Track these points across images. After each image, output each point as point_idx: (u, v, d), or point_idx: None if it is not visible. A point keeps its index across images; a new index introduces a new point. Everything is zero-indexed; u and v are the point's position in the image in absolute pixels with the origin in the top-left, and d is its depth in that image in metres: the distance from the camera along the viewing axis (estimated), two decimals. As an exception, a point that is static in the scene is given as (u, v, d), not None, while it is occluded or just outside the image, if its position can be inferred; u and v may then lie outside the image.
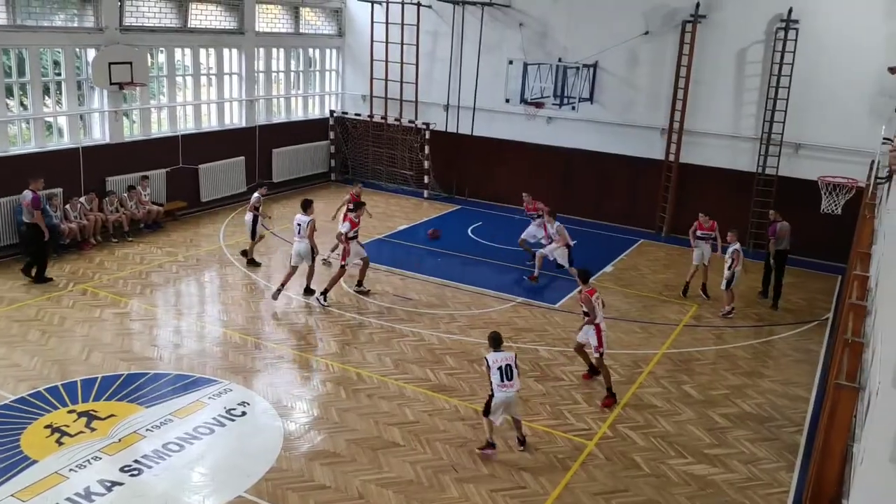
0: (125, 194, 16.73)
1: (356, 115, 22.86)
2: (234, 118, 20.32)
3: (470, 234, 18.57)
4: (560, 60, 18.80)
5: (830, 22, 17.12)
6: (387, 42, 21.80)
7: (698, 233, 14.67)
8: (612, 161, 19.88)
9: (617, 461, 9.07)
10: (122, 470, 8.23)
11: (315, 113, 23.22)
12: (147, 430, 9.02)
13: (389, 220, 19.12)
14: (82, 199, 15.77)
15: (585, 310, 10.53)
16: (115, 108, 16.87)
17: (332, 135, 23.04)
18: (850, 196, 15.42)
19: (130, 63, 16.44)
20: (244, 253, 15.34)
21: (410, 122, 21.85)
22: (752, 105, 18.33)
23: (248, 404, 9.83)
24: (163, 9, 17.72)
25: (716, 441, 9.67)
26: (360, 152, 23.12)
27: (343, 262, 13.50)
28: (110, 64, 16.08)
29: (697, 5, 18.11)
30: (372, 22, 21.93)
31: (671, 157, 19.13)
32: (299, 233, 13.48)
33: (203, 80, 19.46)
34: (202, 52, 19.17)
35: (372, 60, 22.24)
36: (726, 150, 18.74)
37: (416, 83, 21.85)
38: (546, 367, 11.45)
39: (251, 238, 15.18)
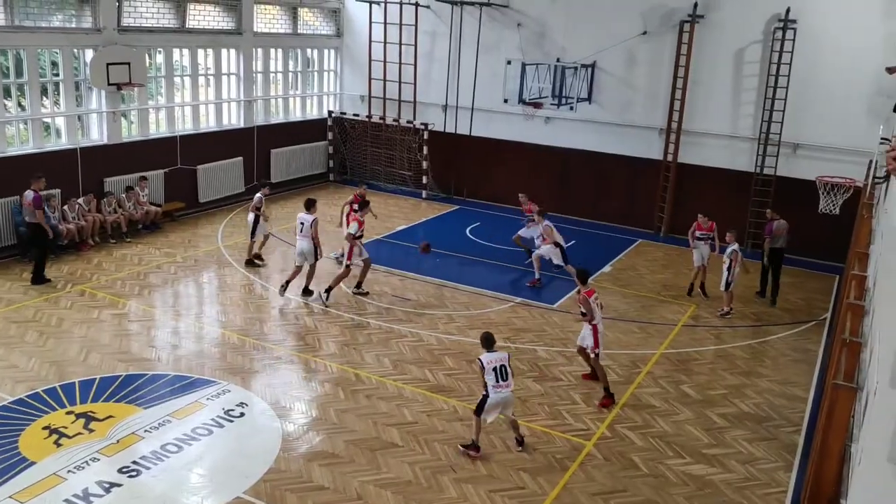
0: (123, 195, 16.72)
1: (354, 115, 22.86)
2: (233, 119, 20.31)
3: (468, 234, 18.58)
4: (558, 60, 18.82)
5: (828, 22, 17.14)
6: (385, 42, 21.80)
7: (697, 233, 14.70)
8: (610, 161, 19.89)
9: (615, 461, 9.07)
10: (120, 471, 8.22)
11: (313, 113, 23.21)
12: (145, 431, 9.02)
13: (388, 220, 19.11)
14: (80, 200, 15.76)
15: (583, 310, 10.53)
16: (114, 108, 16.86)
17: (330, 135, 23.04)
18: (847, 196, 15.45)
19: (128, 63, 16.42)
20: (257, 256, 15.37)
21: (409, 122, 21.85)
22: (751, 105, 18.35)
23: (247, 405, 9.83)
24: (161, 9, 17.71)
25: (714, 441, 9.67)
26: (358, 153, 23.11)
27: (349, 262, 13.57)
28: (108, 64, 16.07)
29: (695, 5, 18.12)
30: (370, 22, 21.93)
31: (669, 157, 19.14)
32: (302, 231, 13.54)
33: (201, 80, 19.47)
34: (200, 52, 19.16)
35: (370, 61, 22.24)
36: (724, 150, 18.75)
37: (415, 83, 21.85)
38: (544, 368, 11.46)
39: (250, 237, 15.20)
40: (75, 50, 16.17)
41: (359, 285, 13.98)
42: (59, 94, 16.15)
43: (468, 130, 21.65)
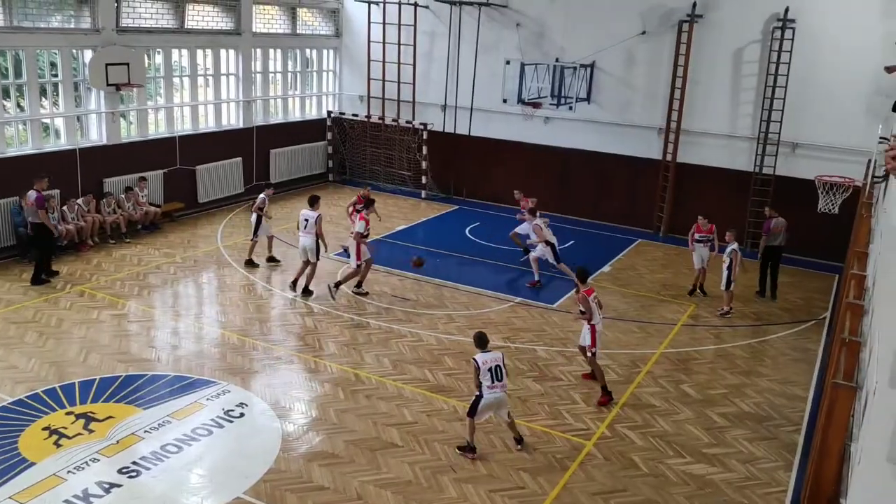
0: (122, 195, 16.71)
1: (354, 115, 22.86)
2: (232, 119, 20.30)
3: (468, 234, 18.58)
4: (557, 60, 18.83)
5: (827, 21, 17.15)
6: (384, 42, 21.80)
7: (696, 235, 14.68)
8: (609, 161, 19.90)
9: (615, 461, 9.07)
10: (120, 472, 8.22)
11: (312, 113, 23.21)
12: (145, 431, 9.02)
13: (388, 220, 19.07)
14: (79, 201, 15.75)
15: (582, 309, 10.54)
16: (112, 109, 16.85)
17: (329, 135, 23.04)
18: (847, 195, 15.47)
19: (127, 64, 16.42)
20: (271, 259, 15.37)
21: (408, 122, 21.85)
22: (749, 105, 18.36)
23: (247, 405, 9.83)
24: (159, 10, 17.70)
25: (714, 440, 9.68)
26: (357, 153, 23.12)
27: (358, 262, 13.68)
28: (107, 65, 16.06)
29: (694, 5, 18.13)
30: (369, 22, 21.92)
31: (669, 157, 19.15)
32: (305, 228, 13.63)
33: (200, 80, 19.46)
34: (199, 52, 19.15)
35: (369, 61, 22.23)
36: (724, 150, 18.76)
37: (414, 84, 21.85)
38: (544, 367, 11.46)
39: (252, 237, 15.20)
40: (74, 50, 16.16)
41: (359, 284, 13.99)
42: (58, 94, 16.14)
43: (467, 130, 21.66)
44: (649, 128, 19.45)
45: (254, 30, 20.29)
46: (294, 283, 13.91)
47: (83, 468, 8.23)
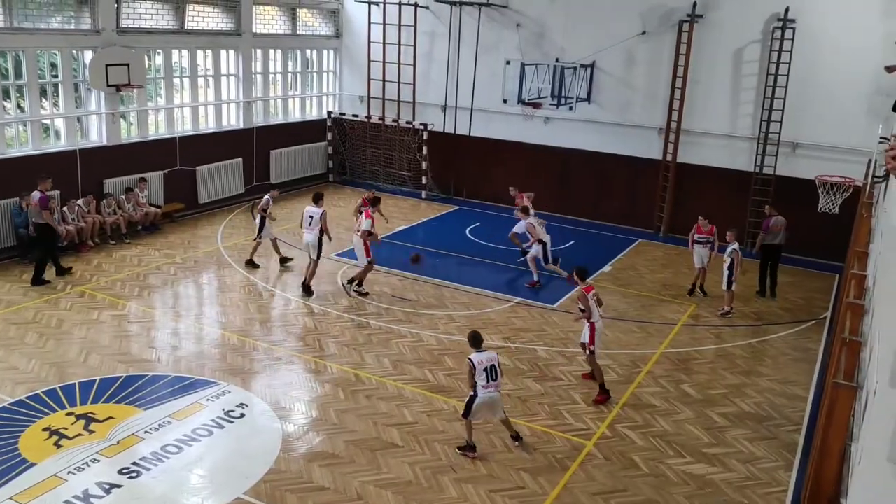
0: (123, 196, 16.72)
1: (354, 115, 22.86)
2: (232, 119, 20.31)
3: (468, 234, 18.58)
4: (557, 61, 18.82)
5: (827, 21, 17.15)
6: (384, 43, 21.80)
7: (696, 236, 14.68)
8: (609, 161, 19.89)
9: (616, 461, 9.07)
10: (120, 472, 8.22)
11: (313, 114, 23.21)
12: (145, 432, 9.02)
13: (388, 220, 19.09)
14: (80, 202, 15.76)
15: (581, 306, 10.54)
16: (113, 110, 16.85)
17: (329, 136, 23.04)
18: (847, 195, 15.46)
19: (127, 65, 16.41)
20: (283, 260, 15.34)
21: (408, 122, 21.85)
22: (750, 104, 18.35)
23: (247, 406, 9.83)
24: (160, 10, 17.70)
25: (714, 440, 9.67)
26: (357, 153, 23.12)
27: (369, 258, 13.78)
28: (107, 66, 16.06)
29: (694, 5, 18.12)
30: (369, 23, 21.93)
31: (669, 157, 19.14)
32: (310, 224, 13.73)
33: (200, 81, 19.46)
34: (199, 53, 19.16)
35: (369, 61, 22.24)
36: (724, 150, 18.75)
37: (414, 84, 21.85)
38: (544, 367, 11.45)
39: (256, 238, 15.18)
40: (74, 51, 16.16)
41: (360, 284, 13.99)
42: (58, 95, 16.14)
43: (467, 131, 21.66)
44: (649, 128, 19.44)
45: (254, 30, 20.29)
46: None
47: (83, 469, 8.23)
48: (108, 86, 16.16)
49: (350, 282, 13.84)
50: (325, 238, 13.97)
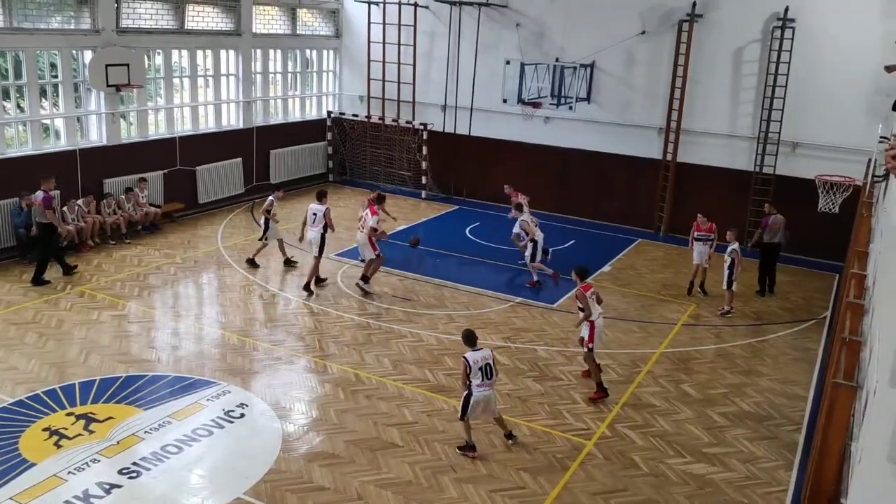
0: (123, 196, 16.71)
1: (354, 115, 22.86)
2: (232, 119, 20.31)
3: (468, 234, 18.58)
4: (557, 60, 18.82)
5: (827, 21, 17.15)
6: (384, 43, 21.80)
7: (696, 234, 14.74)
8: (609, 161, 19.89)
9: (616, 461, 9.07)
10: (120, 472, 8.22)
11: (312, 114, 23.21)
12: (145, 432, 9.02)
13: (388, 220, 19.08)
14: (80, 202, 15.75)
15: (580, 305, 10.54)
16: (113, 109, 16.85)
17: (329, 136, 23.04)
18: (847, 194, 15.47)
19: (127, 65, 16.41)
20: (287, 262, 15.30)
21: (408, 122, 21.85)
22: (749, 104, 18.35)
23: (247, 406, 9.83)
24: (159, 10, 17.70)
25: (714, 440, 9.67)
26: (357, 153, 23.12)
27: (377, 252, 13.88)
28: (107, 66, 16.06)
29: (694, 5, 18.12)
30: (369, 23, 21.92)
31: (669, 157, 19.14)
32: (314, 222, 13.82)
33: (200, 81, 19.46)
34: (199, 53, 19.15)
35: (369, 61, 22.23)
36: (724, 150, 18.75)
37: (414, 84, 21.85)
38: (544, 367, 11.45)
39: (261, 239, 15.17)
40: (74, 51, 16.16)
41: (365, 278, 14.07)
42: (58, 95, 16.14)
43: (467, 130, 21.66)
44: (649, 127, 19.44)
45: (254, 30, 20.29)
46: (318, 281, 14.16)
47: (83, 469, 8.23)
48: (108, 86, 16.16)
49: (363, 279, 13.96)
50: (327, 236, 13.98)
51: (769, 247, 15.00)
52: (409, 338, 12.23)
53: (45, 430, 8.95)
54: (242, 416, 9.58)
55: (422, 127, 21.58)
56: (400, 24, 21.36)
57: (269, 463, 8.58)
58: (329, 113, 23.08)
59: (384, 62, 21.91)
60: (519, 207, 15.41)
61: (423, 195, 21.83)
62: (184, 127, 19.10)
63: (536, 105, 18.40)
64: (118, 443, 8.76)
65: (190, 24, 18.46)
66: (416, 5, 21.26)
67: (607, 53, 19.32)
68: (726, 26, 18.18)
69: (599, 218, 20.21)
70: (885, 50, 15.84)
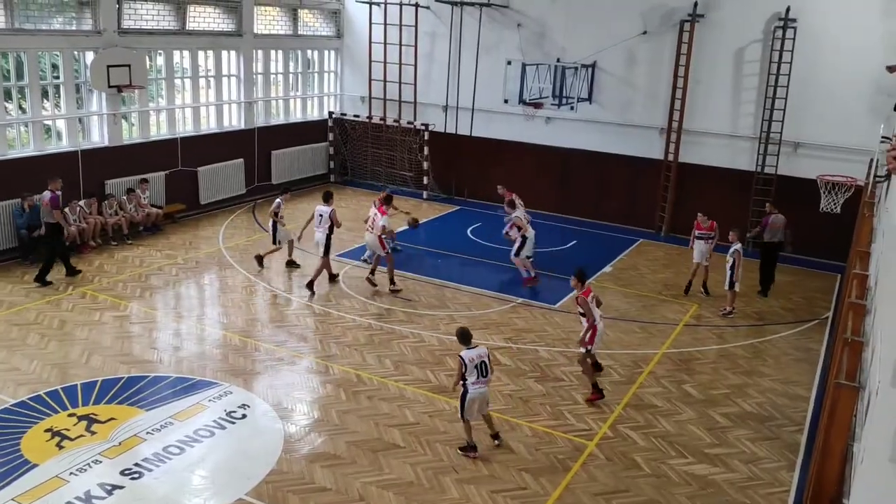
0: (124, 197, 16.72)
1: (355, 116, 22.86)
2: (233, 120, 20.32)
3: (469, 234, 18.57)
4: (558, 61, 18.81)
5: (828, 21, 17.13)
6: (385, 43, 21.81)
7: (696, 233, 14.75)
8: (611, 161, 19.88)
9: (617, 461, 9.07)
10: (122, 473, 8.23)
11: (314, 114, 23.22)
12: (147, 433, 9.02)
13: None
14: (81, 203, 15.77)
15: (581, 310, 10.53)
16: (114, 110, 16.87)
17: (331, 136, 23.05)
18: (849, 195, 15.46)
19: (129, 66, 16.43)
20: (290, 263, 15.29)
21: (409, 123, 21.85)
22: (751, 104, 18.34)
23: (249, 407, 9.83)
24: (161, 11, 17.72)
25: (716, 441, 9.67)
26: (359, 154, 23.12)
27: (386, 250, 14.16)
28: (109, 67, 16.08)
29: (695, 5, 18.12)
30: (370, 23, 21.93)
31: (670, 157, 19.13)
32: (320, 223, 13.91)
33: (202, 82, 19.47)
34: (201, 54, 19.17)
35: (370, 62, 22.24)
36: (725, 150, 18.74)
37: (415, 84, 21.86)
38: (546, 368, 11.45)
39: (272, 242, 15.16)
40: (76, 52, 16.17)
41: (372, 272, 14.32)
42: (59, 96, 16.16)
43: (469, 131, 21.65)
44: (650, 128, 19.44)
45: (255, 31, 20.30)
46: (332, 278, 14.33)
47: (85, 470, 8.24)
48: (110, 86, 16.18)
49: (392, 283, 14.15)
50: (333, 236, 13.99)
51: (769, 246, 15.00)
52: (411, 338, 12.24)
53: (47, 431, 8.96)
54: (244, 416, 9.59)
55: (423, 127, 21.58)
56: (401, 25, 21.37)
57: (270, 464, 8.59)
58: (330, 113, 23.08)
59: (385, 63, 21.92)
60: (511, 204, 15.38)
61: (425, 195, 21.83)
62: (185, 128, 19.11)
63: (538, 105, 18.40)
64: (120, 444, 8.77)
65: (191, 25, 18.48)
66: (417, 6, 21.27)
67: (608, 53, 19.32)
68: (727, 26, 18.17)
69: (600, 218, 20.20)
70: (886, 50, 15.85)
